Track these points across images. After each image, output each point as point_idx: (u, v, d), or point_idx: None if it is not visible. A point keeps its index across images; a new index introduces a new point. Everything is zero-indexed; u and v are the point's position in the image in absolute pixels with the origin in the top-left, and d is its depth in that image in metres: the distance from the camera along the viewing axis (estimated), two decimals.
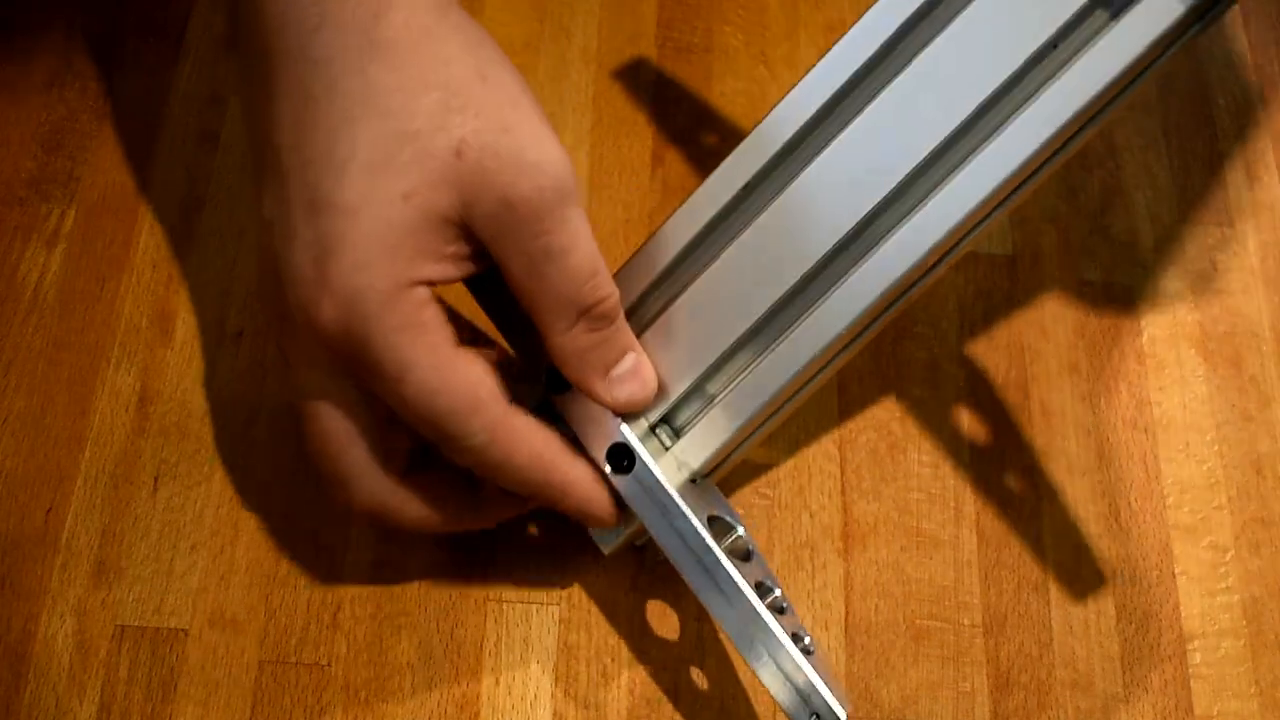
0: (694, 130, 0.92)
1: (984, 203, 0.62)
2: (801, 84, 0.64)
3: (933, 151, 0.63)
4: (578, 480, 0.67)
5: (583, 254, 0.61)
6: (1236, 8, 1.02)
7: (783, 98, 0.65)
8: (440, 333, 0.62)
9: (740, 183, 0.66)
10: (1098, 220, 0.92)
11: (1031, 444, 0.83)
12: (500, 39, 0.96)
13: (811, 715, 0.64)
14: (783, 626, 0.65)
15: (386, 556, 0.77)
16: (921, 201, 0.63)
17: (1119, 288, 0.90)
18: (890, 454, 0.83)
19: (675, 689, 0.75)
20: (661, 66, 0.94)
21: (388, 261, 0.60)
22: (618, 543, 0.72)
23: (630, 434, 0.68)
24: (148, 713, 0.72)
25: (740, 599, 0.66)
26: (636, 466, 0.68)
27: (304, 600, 0.76)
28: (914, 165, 0.63)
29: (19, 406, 0.80)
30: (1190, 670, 0.77)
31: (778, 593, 0.68)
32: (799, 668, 0.65)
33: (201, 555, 0.77)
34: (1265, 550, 0.81)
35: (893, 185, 0.63)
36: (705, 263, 0.68)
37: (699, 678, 0.75)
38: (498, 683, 0.74)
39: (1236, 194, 0.94)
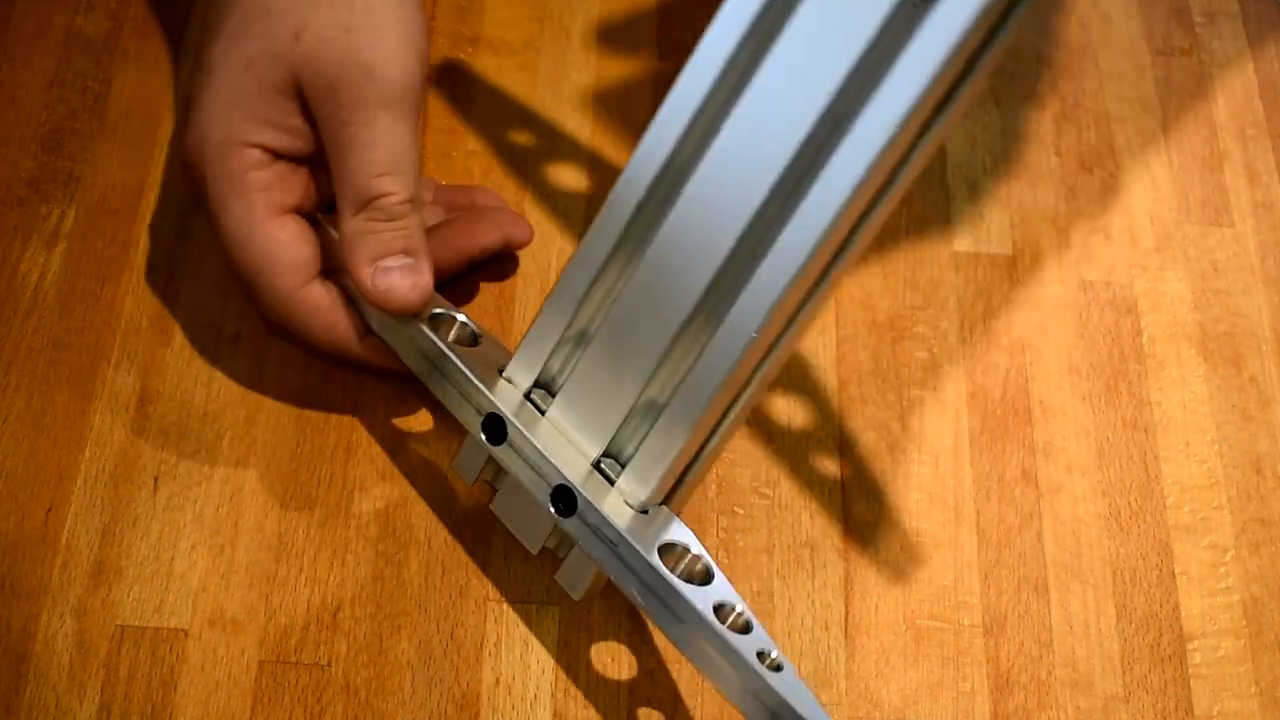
0: None
1: (853, 195, 0.63)
2: (654, 122, 0.66)
3: (790, 161, 0.64)
4: (366, 356, 0.77)
5: (381, 152, 0.69)
6: (1237, 7, 1.02)
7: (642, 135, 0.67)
8: (261, 194, 0.71)
9: (629, 212, 0.67)
10: (1098, 220, 0.92)
11: (1031, 444, 0.83)
12: (500, 39, 0.97)
13: None
14: (747, 645, 0.64)
15: (387, 556, 0.77)
16: (799, 199, 0.64)
17: (1119, 288, 0.90)
18: (890, 454, 0.83)
19: (676, 688, 0.75)
20: (662, 67, 0.94)
21: (223, 118, 0.70)
22: (585, 588, 0.72)
23: (568, 475, 0.68)
24: (148, 713, 0.72)
25: (701, 625, 0.65)
26: (579, 505, 0.68)
27: (304, 600, 0.76)
28: (777, 174, 0.64)
29: (19, 406, 0.80)
30: (1190, 670, 0.77)
31: (739, 608, 0.66)
32: (769, 688, 0.63)
33: (201, 555, 0.77)
34: (1265, 550, 0.81)
35: (764, 192, 0.64)
36: (609, 300, 0.69)
37: (699, 677, 0.75)
38: (498, 683, 0.74)
39: (1236, 194, 0.94)
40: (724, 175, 0.65)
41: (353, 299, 0.75)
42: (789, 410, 0.84)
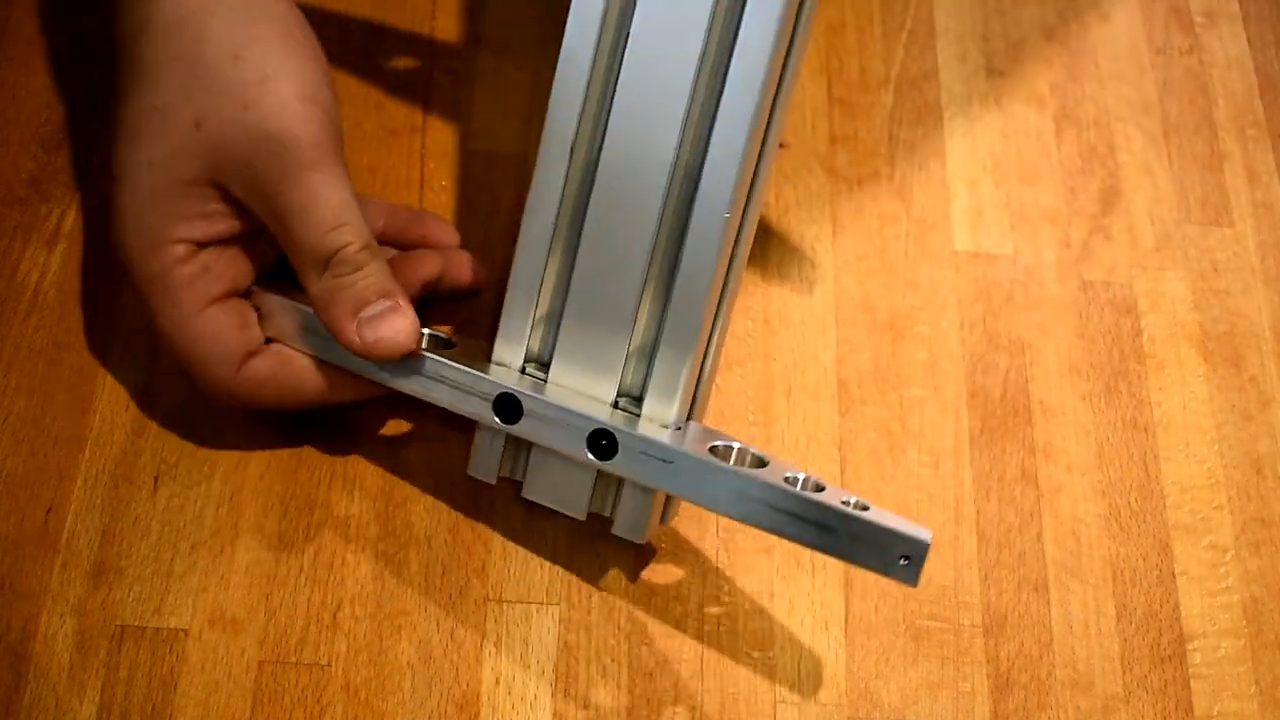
0: None
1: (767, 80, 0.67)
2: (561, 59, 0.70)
3: (702, 45, 0.67)
4: (336, 398, 0.77)
5: (323, 209, 0.68)
6: (1236, 7, 1.02)
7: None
8: (186, 290, 0.71)
9: (565, 151, 0.70)
10: (1098, 220, 0.92)
11: (1031, 444, 0.83)
12: (501, 41, 0.97)
13: (901, 559, 0.67)
14: (831, 497, 0.68)
15: (387, 556, 0.77)
16: (722, 70, 0.68)
17: (1119, 288, 0.90)
18: (890, 454, 0.83)
19: (675, 688, 0.75)
20: None
21: (138, 222, 0.70)
22: (647, 525, 0.73)
23: (601, 417, 0.70)
24: (148, 713, 0.72)
25: (785, 497, 0.68)
26: (621, 440, 0.70)
27: (304, 600, 0.76)
28: (694, 61, 0.67)
29: (19, 406, 0.80)
30: (1190, 670, 0.77)
31: (804, 475, 0.69)
32: (869, 522, 0.67)
33: (201, 555, 0.77)
34: (1265, 550, 0.81)
35: (688, 79, 0.68)
36: (575, 245, 0.71)
37: (698, 676, 0.75)
38: (498, 683, 0.74)
39: (1236, 194, 0.94)
40: (645, 84, 0.68)
41: (298, 349, 0.75)
42: (789, 410, 0.84)
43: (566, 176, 0.70)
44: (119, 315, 0.83)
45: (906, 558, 0.67)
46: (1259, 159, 0.95)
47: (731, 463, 0.70)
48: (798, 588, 0.78)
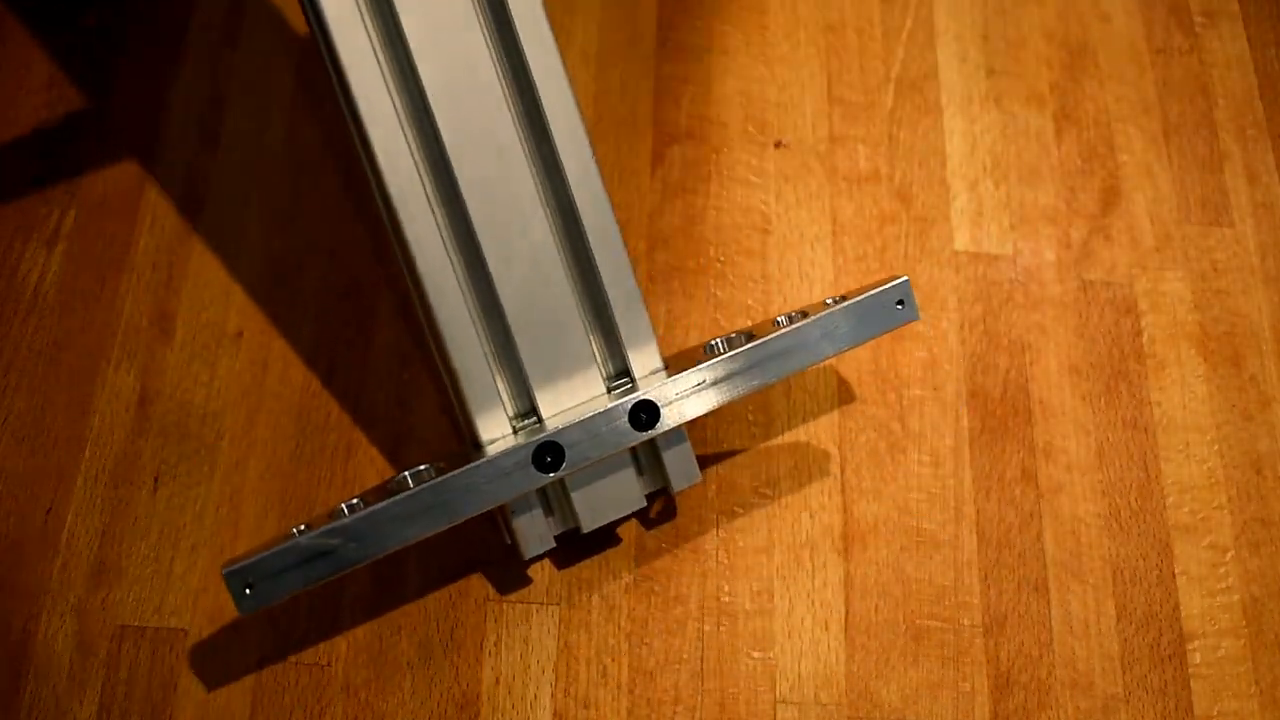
0: (694, 130, 0.92)
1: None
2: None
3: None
4: None
5: None
6: (1236, 7, 1.02)
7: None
8: None
9: (423, 205, 0.72)
10: (1098, 220, 0.92)
11: (1031, 444, 0.83)
12: None
13: (897, 306, 0.74)
14: (817, 312, 0.74)
15: (387, 556, 0.77)
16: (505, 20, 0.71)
17: (1119, 288, 0.90)
18: (890, 454, 0.83)
19: (675, 688, 0.75)
20: (661, 66, 0.94)
21: None
22: (696, 467, 0.76)
23: (637, 395, 0.72)
24: (148, 713, 0.72)
25: (796, 337, 0.73)
26: (658, 401, 0.71)
27: (304, 600, 0.76)
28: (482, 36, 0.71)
29: (19, 406, 0.80)
30: (1190, 670, 0.77)
31: (784, 316, 0.75)
32: (857, 302, 0.74)
33: (201, 555, 0.77)
34: (1265, 550, 0.81)
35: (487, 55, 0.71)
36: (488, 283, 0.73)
37: (699, 676, 0.75)
38: (498, 683, 0.74)
39: (1236, 194, 0.94)
40: (453, 86, 0.71)
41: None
42: (789, 410, 0.84)
43: (438, 227, 0.72)
44: (119, 315, 0.83)
45: (900, 302, 0.74)
46: (1259, 159, 0.95)
47: (730, 350, 0.73)
48: (798, 588, 0.78)
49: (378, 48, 0.70)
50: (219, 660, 0.73)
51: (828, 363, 0.85)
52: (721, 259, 0.88)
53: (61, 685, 0.72)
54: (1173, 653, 0.77)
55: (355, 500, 0.70)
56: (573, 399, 0.73)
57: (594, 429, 0.70)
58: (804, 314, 0.74)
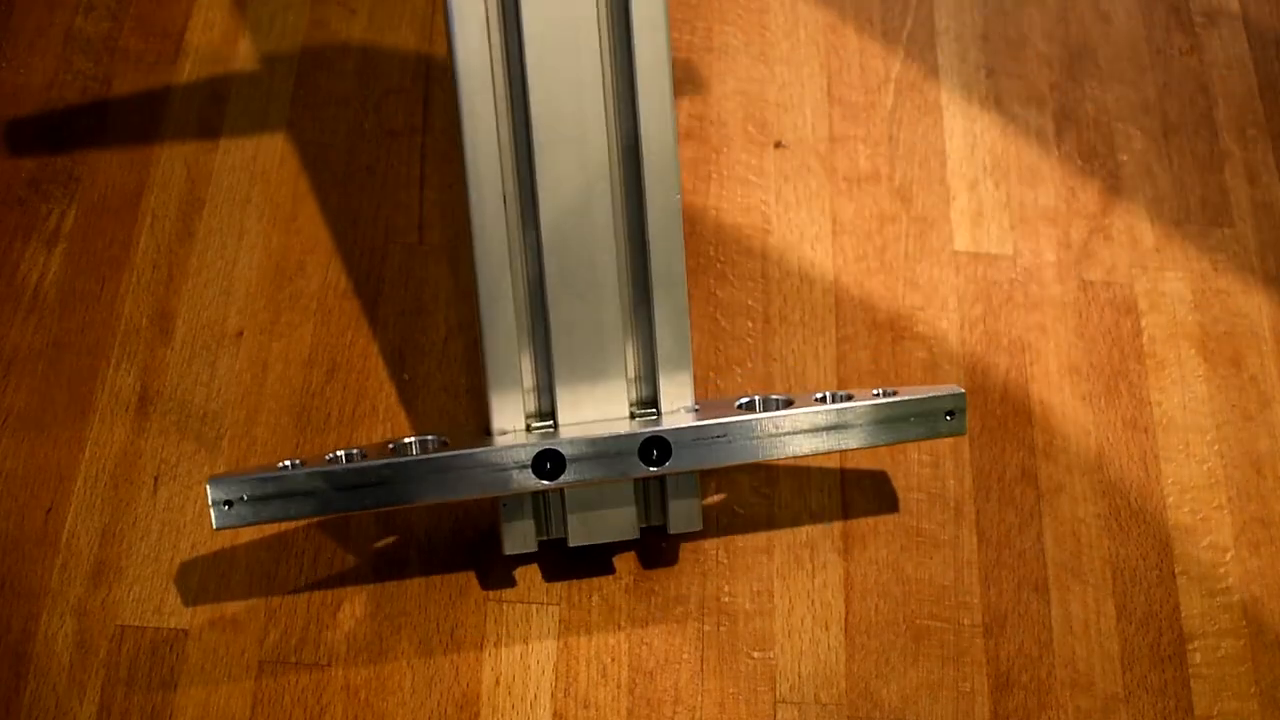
0: (694, 130, 0.92)
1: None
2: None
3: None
4: None
5: None
6: (1237, 7, 1.02)
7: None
8: None
9: (499, 202, 0.69)
10: (1098, 220, 0.92)
11: (1032, 444, 0.83)
12: None
13: (946, 416, 0.73)
14: (865, 398, 0.73)
15: (387, 556, 0.77)
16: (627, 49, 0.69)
17: (1119, 288, 0.90)
18: (890, 454, 0.83)
19: (675, 687, 0.75)
20: None
21: None
22: (700, 513, 0.75)
23: (634, 431, 0.70)
24: (148, 713, 0.72)
25: (838, 416, 0.72)
26: (674, 440, 0.70)
27: (304, 600, 0.76)
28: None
29: (19, 406, 0.80)
30: (1190, 670, 0.77)
31: (826, 393, 0.74)
32: (909, 400, 0.72)
33: (201, 555, 0.77)
34: (1265, 550, 0.81)
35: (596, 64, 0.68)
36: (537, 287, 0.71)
37: (699, 676, 0.75)
38: (498, 683, 0.74)
39: (1236, 194, 0.94)
40: (556, 85, 0.68)
41: None
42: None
43: (505, 215, 0.70)
44: (119, 315, 0.83)
45: (950, 413, 0.73)
46: (1259, 159, 0.95)
47: (763, 411, 0.72)
48: (798, 588, 0.78)
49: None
50: (219, 660, 0.73)
51: (827, 363, 0.85)
52: (721, 259, 0.88)
53: (61, 685, 0.72)
54: (1173, 653, 0.77)
55: (355, 451, 0.70)
56: (593, 411, 0.72)
57: (602, 450, 0.70)
58: (849, 396, 0.73)
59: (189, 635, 0.74)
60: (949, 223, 0.91)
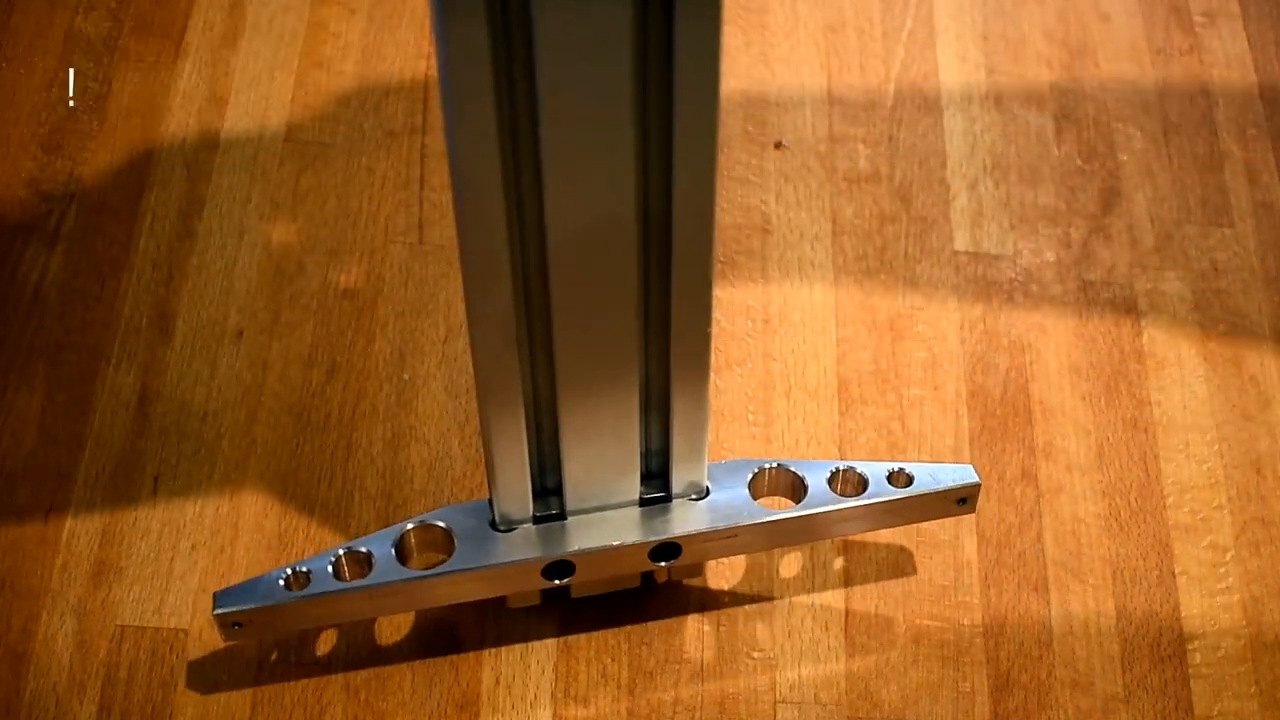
0: None
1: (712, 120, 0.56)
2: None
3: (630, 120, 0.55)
4: None
5: None
6: (1236, 7, 1.02)
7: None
8: None
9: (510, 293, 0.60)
10: (1098, 220, 0.92)
11: (1032, 444, 0.83)
12: None
13: (958, 503, 0.74)
14: (879, 487, 0.72)
15: None
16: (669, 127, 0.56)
17: (1119, 288, 0.90)
18: (890, 454, 0.83)
19: (675, 687, 0.75)
20: None
21: None
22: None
23: (641, 537, 0.69)
24: (148, 713, 0.72)
25: (851, 512, 0.72)
26: (685, 545, 0.70)
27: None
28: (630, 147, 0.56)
29: (19, 406, 0.80)
30: (1190, 670, 0.77)
31: (840, 466, 0.73)
32: (922, 494, 0.72)
33: (201, 555, 0.77)
34: (1265, 550, 0.81)
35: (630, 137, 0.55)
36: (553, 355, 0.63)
37: (699, 676, 0.75)
38: (498, 683, 0.74)
39: (1236, 194, 0.94)
40: (577, 145, 0.55)
41: None
42: (789, 410, 0.84)
43: (512, 281, 0.59)
44: (119, 315, 0.83)
45: (963, 500, 0.74)
46: (1259, 159, 0.95)
47: (766, 487, 0.72)
48: (798, 588, 0.78)
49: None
50: (219, 660, 0.73)
51: (827, 363, 0.85)
52: (721, 259, 0.88)
53: (61, 685, 0.72)
54: (1173, 653, 0.77)
55: (361, 549, 0.68)
56: (601, 496, 0.69)
57: (611, 555, 0.69)
58: (862, 478, 0.72)
59: (189, 635, 0.74)
60: (949, 223, 0.91)
